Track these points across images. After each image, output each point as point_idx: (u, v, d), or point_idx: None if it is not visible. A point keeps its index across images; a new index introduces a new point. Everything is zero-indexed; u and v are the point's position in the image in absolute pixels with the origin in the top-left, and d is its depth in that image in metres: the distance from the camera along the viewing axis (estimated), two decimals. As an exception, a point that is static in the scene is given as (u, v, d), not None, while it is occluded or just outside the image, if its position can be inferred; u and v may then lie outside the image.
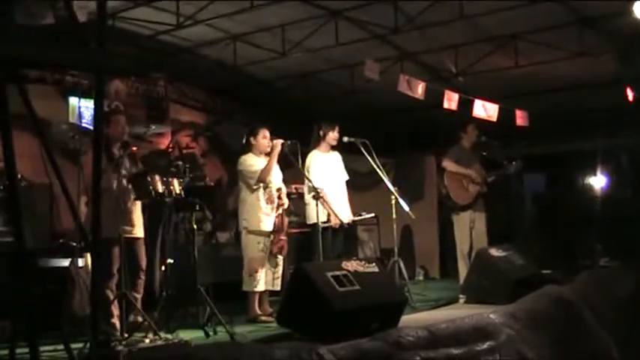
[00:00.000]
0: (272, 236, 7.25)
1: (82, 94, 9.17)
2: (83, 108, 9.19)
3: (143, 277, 6.34)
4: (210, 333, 6.20)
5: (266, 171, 7.18)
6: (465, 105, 9.88)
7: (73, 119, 9.15)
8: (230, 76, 11.12)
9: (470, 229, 8.60)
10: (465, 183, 8.65)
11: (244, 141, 7.44)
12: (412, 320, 6.03)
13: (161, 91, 10.77)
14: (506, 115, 10.13)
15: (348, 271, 5.53)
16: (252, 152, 7.34)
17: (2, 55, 2.60)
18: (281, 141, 7.24)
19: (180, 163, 6.91)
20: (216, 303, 6.39)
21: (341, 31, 9.34)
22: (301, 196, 8.23)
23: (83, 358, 4.96)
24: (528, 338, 5.09)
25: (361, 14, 9.10)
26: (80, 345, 5.22)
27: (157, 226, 7.72)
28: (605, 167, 12.89)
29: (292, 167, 7.66)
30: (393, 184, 8.20)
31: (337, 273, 5.42)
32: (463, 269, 8.47)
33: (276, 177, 7.38)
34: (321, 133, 7.91)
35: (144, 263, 6.38)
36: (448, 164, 8.72)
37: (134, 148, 6.31)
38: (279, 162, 7.35)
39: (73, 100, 9.29)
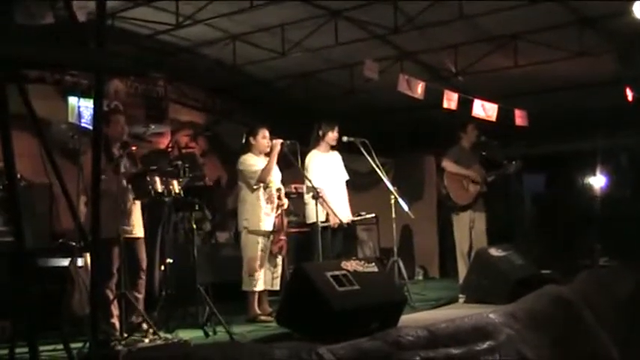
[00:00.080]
0: (272, 236, 7.26)
1: (82, 94, 9.17)
2: (83, 108, 9.18)
3: (144, 276, 6.33)
4: (210, 333, 6.20)
5: (266, 171, 7.18)
6: (465, 105, 9.88)
7: (72, 119, 9.15)
8: (230, 76, 11.11)
9: (469, 229, 8.60)
10: (464, 183, 8.65)
11: (244, 141, 7.44)
12: (412, 320, 6.02)
13: (160, 90, 10.77)
14: (505, 115, 10.13)
15: (348, 270, 5.52)
16: (252, 152, 7.34)
17: (2, 55, 2.60)
18: (280, 141, 7.24)
19: (179, 162, 6.91)
20: (216, 303, 6.38)
21: (340, 31, 9.34)
22: (301, 195, 8.23)
23: (83, 357, 4.95)
24: (528, 338, 5.09)
25: (361, 14, 9.11)
26: (80, 345, 5.21)
27: (157, 225, 7.72)
28: (605, 167, 12.90)
29: (292, 167, 7.66)
30: (393, 184, 8.19)
31: (337, 273, 5.41)
32: (463, 269, 8.46)
33: (275, 177, 7.38)
34: (321, 132, 7.90)
35: (144, 263, 6.37)
36: (448, 164, 8.72)
37: (133, 148, 6.30)
38: (278, 162, 7.35)
39: (73, 100, 9.29)
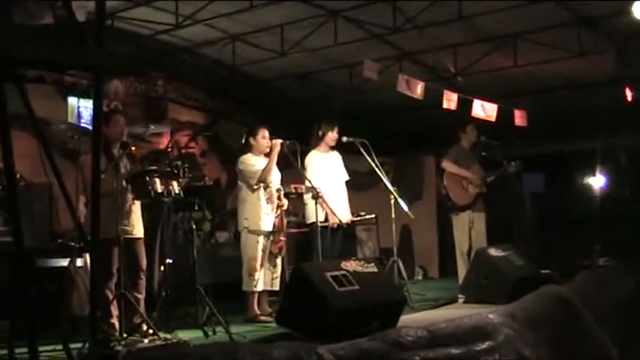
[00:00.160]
0: (272, 236, 7.26)
1: (81, 94, 9.19)
2: (82, 108, 9.20)
3: (144, 277, 6.32)
4: (210, 333, 6.20)
5: (266, 171, 7.18)
6: (464, 105, 9.89)
7: (71, 119, 9.16)
8: (229, 76, 11.11)
9: (469, 229, 8.61)
10: (464, 183, 8.65)
11: (243, 141, 7.44)
12: (411, 320, 6.02)
13: (160, 90, 10.77)
14: (505, 115, 10.13)
15: (347, 271, 5.53)
16: (252, 152, 7.34)
17: (1, 55, 2.60)
18: (280, 141, 7.24)
19: (179, 162, 6.90)
20: (215, 303, 6.39)
21: (340, 31, 9.34)
22: (300, 196, 8.23)
23: (82, 358, 4.96)
24: (527, 338, 5.09)
25: (360, 14, 9.11)
26: (79, 345, 5.22)
27: (156, 226, 7.71)
28: (604, 167, 12.89)
29: (291, 167, 7.66)
30: (392, 184, 8.19)
31: (336, 273, 5.42)
32: (462, 269, 8.47)
33: (275, 177, 7.38)
34: (321, 133, 7.91)
35: (144, 263, 6.36)
36: (447, 165, 8.73)
37: (133, 148, 6.30)
38: (278, 162, 7.34)
39: (72, 100, 9.30)
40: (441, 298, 8.44)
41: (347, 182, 8.10)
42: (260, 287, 7.14)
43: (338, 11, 9.10)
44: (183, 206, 7.20)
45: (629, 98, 9.71)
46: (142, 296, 6.25)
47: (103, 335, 5.68)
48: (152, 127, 8.53)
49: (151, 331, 5.84)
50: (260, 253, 7.15)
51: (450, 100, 9.79)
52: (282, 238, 7.34)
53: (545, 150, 13.13)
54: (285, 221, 7.51)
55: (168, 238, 7.88)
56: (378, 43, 9.99)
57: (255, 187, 7.21)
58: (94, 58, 2.82)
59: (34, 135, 3.06)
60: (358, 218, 9.06)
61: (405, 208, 8.12)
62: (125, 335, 5.66)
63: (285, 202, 7.46)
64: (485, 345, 4.68)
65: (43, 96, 7.94)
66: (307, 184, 7.53)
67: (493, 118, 9.98)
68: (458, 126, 8.98)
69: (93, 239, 3.05)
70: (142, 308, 6.14)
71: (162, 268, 7.52)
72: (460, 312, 6.22)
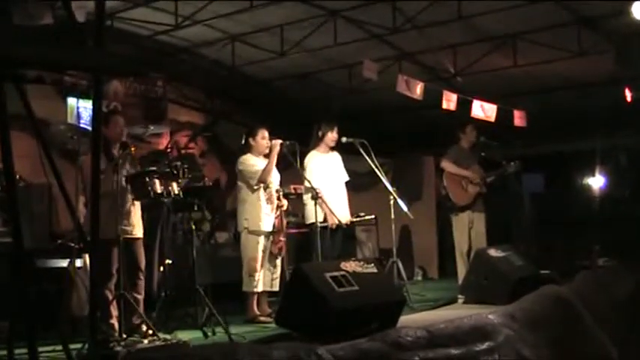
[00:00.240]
0: (272, 237, 7.26)
1: (81, 95, 9.19)
2: (82, 108, 9.20)
3: (142, 277, 6.32)
4: (209, 333, 6.20)
5: (266, 171, 7.18)
6: (464, 105, 9.89)
7: (71, 120, 9.16)
8: (229, 76, 11.11)
9: (469, 230, 8.61)
10: (463, 183, 8.66)
11: (243, 141, 7.44)
12: (411, 320, 6.02)
13: (159, 91, 10.77)
14: (504, 115, 10.14)
15: (347, 271, 5.52)
16: (251, 153, 7.33)
17: (1, 56, 2.60)
18: (280, 141, 7.24)
19: (178, 163, 6.90)
20: (215, 303, 6.38)
21: (339, 31, 9.35)
22: (300, 196, 8.23)
23: (82, 358, 4.96)
24: (527, 338, 5.09)
25: (359, 14, 9.11)
26: (79, 345, 5.22)
27: (156, 226, 7.71)
28: (604, 167, 12.89)
29: (291, 168, 7.66)
30: (392, 185, 8.19)
31: (336, 273, 5.41)
32: (462, 269, 8.47)
33: (274, 178, 7.38)
34: (320, 133, 7.90)
35: (143, 264, 6.36)
36: (447, 165, 8.73)
37: (133, 149, 6.30)
38: (277, 162, 7.34)
39: (72, 101, 9.30)
40: (440, 299, 8.44)
41: (346, 183, 8.09)
42: (260, 288, 7.14)
43: (337, 11, 9.10)
44: (183, 207, 7.20)
45: (629, 98, 9.71)
46: (140, 297, 6.25)
47: (103, 336, 5.68)
48: (151, 127, 8.53)
49: (150, 331, 5.84)
50: (260, 254, 7.14)
51: (450, 101, 9.79)
52: (282, 238, 7.34)
53: (545, 150, 13.13)
54: (284, 222, 7.51)
55: (167, 238, 7.89)
56: (378, 44, 9.99)
57: (255, 187, 7.21)
58: (93, 59, 2.82)
59: (33, 135, 3.06)
60: (358, 219, 9.05)
61: (405, 208, 8.12)
62: (125, 336, 5.66)
63: (284, 202, 7.46)
64: (484, 345, 4.68)
65: (42, 96, 7.95)
66: (306, 184, 7.52)
67: (492, 119, 9.98)
68: (457, 126, 8.98)
69: (92, 240, 3.05)
70: (141, 309, 6.15)
71: (161, 268, 7.52)
72: (460, 312, 6.22)
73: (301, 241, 8.87)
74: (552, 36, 9.27)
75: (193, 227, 7.01)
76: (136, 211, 6.33)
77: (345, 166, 8.13)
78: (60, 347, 4.52)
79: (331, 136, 7.88)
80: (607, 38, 9.22)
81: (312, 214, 7.43)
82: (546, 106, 11.03)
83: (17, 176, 4.99)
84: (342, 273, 5.47)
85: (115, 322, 5.91)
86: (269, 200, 7.26)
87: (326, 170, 7.86)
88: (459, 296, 7.95)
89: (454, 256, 8.81)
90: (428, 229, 12.68)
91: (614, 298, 6.96)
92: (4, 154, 2.73)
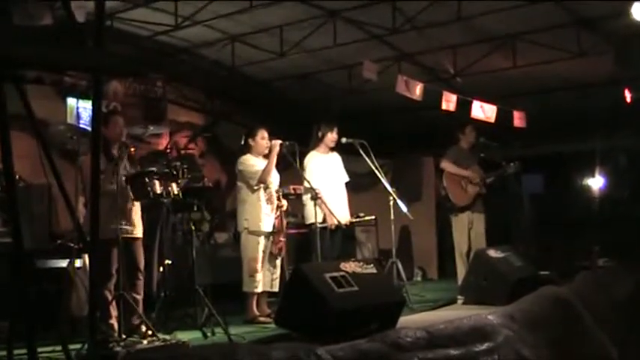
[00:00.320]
0: (272, 237, 7.26)
1: (80, 95, 9.19)
2: (81, 109, 9.20)
3: (142, 277, 6.32)
4: (208, 334, 6.20)
5: (266, 172, 7.18)
6: (464, 106, 9.89)
7: (71, 120, 9.16)
8: (228, 77, 11.11)
9: (468, 230, 8.62)
10: (463, 184, 8.66)
11: (243, 142, 7.44)
12: (410, 321, 6.01)
13: (159, 91, 10.77)
14: (503, 116, 10.14)
15: (346, 272, 5.52)
16: (251, 153, 7.33)
17: (0, 56, 2.60)
18: (279, 141, 7.24)
19: (178, 164, 6.90)
20: (214, 304, 6.38)
21: (339, 32, 9.34)
22: (299, 197, 8.23)
23: (81, 358, 4.96)
24: (526, 339, 5.10)
25: (359, 15, 9.11)
26: (78, 346, 5.22)
27: (155, 227, 7.71)
28: (604, 168, 12.89)
29: (290, 168, 7.66)
30: (391, 185, 8.18)
31: (335, 274, 5.41)
32: (461, 270, 8.47)
33: (274, 179, 7.38)
34: (320, 134, 7.90)
35: (142, 264, 6.36)
36: (446, 165, 8.74)
37: (132, 149, 6.30)
38: (277, 163, 7.34)
39: (71, 101, 9.31)
40: (440, 299, 8.43)
41: (346, 183, 8.09)
42: (260, 288, 7.14)
43: (337, 12, 9.10)
44: (182, 207, 7.20)
45: (628, 99, 9.71)
46: (140, 297, 6.25)
47: (102, 336, 5.68)
48: (151, 127, 8.54)
49: (150, 331, 5.84)
50: (260, 254, 7.15)
51: (449, 101, 9.79)
52: (281, 238, 7.34)
53: (545, 151, 13.13)
54: (284, 222, 7.51)
55: (167, 238, 7.89)
56: (378, 44, 9.99)
57: (255, 187, 7.21)
58: (93, 59, 2.82)
59: (33, 136, 3.06)
60: (357, 219, 9.05)
61: (404, 209, 8.11)
62: (124, 336, 5.66)
63: (284, 203, 7.46)
64: (484, 346, 4.69)
65: (42, 97, 7.95)
66: (306, 185, 7.52)
67: (492, 120, 9.98)
68: (457, 127, 8.98)
69: (92, 240, 3.05)
70: (140, 309, 6.15)
71: (161, 268, 7.52)
72: (459, 313, 6.21)
73: (301, 241, 8.87)
74: (552, 37, 9.27)
75: (193, 228, 7.01)
76: (135, 211, 6.33)
77: (345, 167, 8.13)
78: (59, 347, 4.53)
79: (331, 137, 7.88)
80: (606, 39, 9.22)
81: (312, 214, 7.43)
82: (546, 106, 11.03)
83: (17, 176, 4.99)
84: (342, 273, 5.47)
85: (114, 322, 5.91)
86: (269, 200, 7.26)
87: (326, 171, 7.86)
88: (459, 297, 7.95)
89: (454, 256, 8.81)
90: (427, 229, 12.68)
91: (613, 298, 6.97)
92: (4, 155, 2.74)
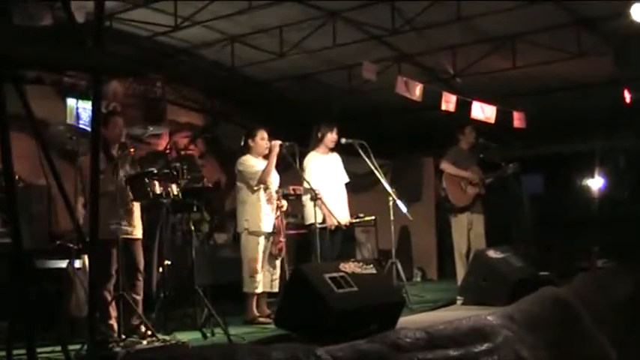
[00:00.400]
0: (271, 237, 7.26)
1: (80, 95, 9.18)
2: (81, 109, 9.19)
3: (141, 278, 6.32)
4: (208, 334, 6.20)
5: (266, 172, 7.18)
6: (463, 106, 9.89)
7: (70, 120, 9.15)
8: (228, 77, 11.11)
9: (468, 231, 8.62)
10: (463, 185, 8.66)
11: (242, 143, 7.44)
12: (410, 322, 6.01)
13: (159, 92, 10.75)
14: (503, 116, 10.14)
15: (346, 272, 5.51)
16: (251, 154, 7.34)
17: (0, 56, 2.60)
18: (279, 142, 7.24)
19: (177, 164, 6.90)
20: (214, 304, 6.38)
21: (339, 32, 9.34)
22: (299, 197, 8.23)
23: (80, 359, 4.95)
24: (526, 340, 5.09)
25: (359, 15, 9.11)
26: (77, 346, 5.22)
27: (155, 227, 7.71)
28: (603, 168, 12.90)
29: (290, 169, 7.66)
30: (391, 186, 8.18)
31: (335, 274, 5.40)
32: (461, 271, 8.47)
33: (274, 179, 7.38)
34: (320, 134, 7.90)
35: (141, 264, 6.36)
36: (446, 166, 8.74)
37: (132, 150, 6.30)
38: (277, 164, 7.34)
39: (71, 101, 9.30)
40: (439, 300, 8.43)
41: (346, 184, 8.09)
42: (260, 289, 7.14)
43: (337, 12, 9.10)
44: (182, 207, 7.20)
45: (628, 100, 9.72)
46: (139, 297, 6.25)
47: (102, 336, 5.68)
48: (151, 128, 8.54)
49: (149, 332, 5.84)
50: (260, 255, 7.15)
51: (449, 102, 9.79)
52: (281, 239, 7.34)
53: (544, 151, 13.15)
54: (284, 222, 7.51)
55: (166, 239, 7.88)
56: (377, 45, 9.99)
57: (255, 188, 7.21)
58: (92, 59, 2.82)
59: (32, 136, 3.06)
60: (357, 220, 9.04)
61: (404, 209, 8.11)
62: (123, 336, 5.66)
63: (284, 203, 7.46)
64: (483, 347, 4.68)
65: (41, 97, 7.95)
66: (306, 185, 7.52)
67: (492, 120, 9.98)
68: (456, 128, 8.98)
69: (91, 240, 3.05)
70: (140, 309, 6.15)
71: (160, 269, 7.52)
72: (459, 314, 6.21)
73: (300, 242, 8.87)
74: (551, 37, 9.27)
75: (192, 228, 7.01)
76: (135, 211, 6.33)
77: (345, 167, 8.13)
78: (59, 348, 4.54)
79: (330, 137, 7.88)
80: (606, 39, 9.23)
81: (312, 215, 7.43)
82: (545, 107, 11.04)
83: (16, 177, 4.99)
84: (342, 274, 5.46)
85: (113, 322, 5.91)
86: (269, 201, 7.26)
87: (325, 171, 7.86)
88: (458, 297, 7.94)
89: (453, 257, 8.81)
90: (427, 230, 12.69)
91: (613, 299, 6.97)
92: (3, 155, 2.73)
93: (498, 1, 8.45)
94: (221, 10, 8.81)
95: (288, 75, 11.32)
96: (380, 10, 8.88)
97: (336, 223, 7.61)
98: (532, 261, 8.35)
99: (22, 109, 2.92)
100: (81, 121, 9.19)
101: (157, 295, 7.30)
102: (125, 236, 6.06)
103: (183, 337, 6.07)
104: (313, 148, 7.91)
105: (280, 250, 7.31)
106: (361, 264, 5.78)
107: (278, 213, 7.34)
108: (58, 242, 7.16)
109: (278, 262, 7.36)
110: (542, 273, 8.24)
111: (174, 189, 6.26)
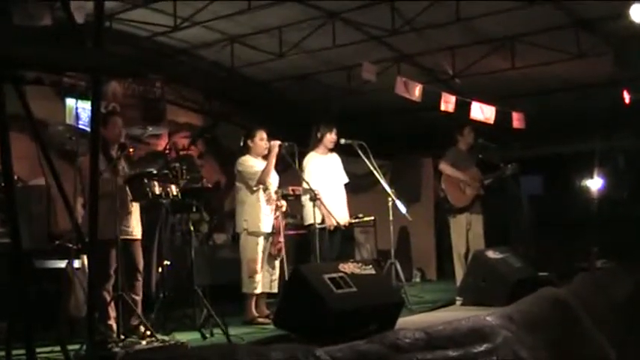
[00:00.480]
0: (271, 238, 7.26)
1: (79, 96, 9.17)
2: (80, 109, 9.19)
3: (140, 278, 6.32)
4: (207, 335, 6.20)
5: (265, 173, 7.18)
6: (463, 107, 9.89)
7: (70, 121, 9.15)
8: (227, 78, 11.11)
9: (466, 232, 8.62)
10: (461, 185, 8.66)
11: (242, 143, 7.43)
12: (409, 322, 6.01)
13: (158, 92, 10.75)
14: (502, 117, 10.14)
15: (345, 273, 5.51)
16: (250, 154, 7.33)
17: (0, 56, 2.60)
18: (278, 142, 7.24)
19: (177, 164, 6.90)
20: (213, 305, 6.37)
21: (338, 33, 9.35)
22: (298, 198, 8.23)
23: (80, 359, 4.95)
24: (525, 340, 5.09)
25: (358, 16, 9.12)
26: (77, 346, 5.22)
27: (154, 227, 7.71)
28: (602, 169, 12.89)
29: (289, 169, 7.66)
30: (390, 186, 8.18)
31: (334, 275, 5.40)
32: (460, 271, 8.47)
33: (273, 180, 7.38)
34: (319, 135, 7.90)
35: (141, 265, 6.36)
36: (445, 167, 8.74)
37: (131, 150, 6.30)
38: (276, 164, 7.34)
39: (70, 102, 9.29)
40: (438, 300, 8.43)
41: (345, 184, 8.09)
42: (260, 289, 7.14)
43: (336, 13, 9.10)
44: (181, 208, 7.19)
45: (627, 100, 9.73)
46: (139, 298, 6.25)
47: (101, 337, 5.68)
48: (150, 128, 8.53)
49: (148, 332, 5.84)
50: (260, 255, 7.15)
51: (448, 103, 9.79)
52: (280, 239, 7.33)
53: (543, 152, 13.15)
54: (283, 223, 7.51)
55: (166, 239, 7.88)
56: (377, 45, 9.99)
57: (255, 188, 7.21)
58: (92, 60, 2.82)
59: (32, 136, 3.06)
60: (356, 220, 9.05)
61: (403, 210, 8.10)
62: (123, 337, 5.65)
63: (283, 203, 7.46)
64: (482, 347, 4.68)
65: (41, 97, 7.94)
66: (305, 185, 7.52)
67: (491, 121, 9.98)
68: (455, 128, 8.97)
69: (91, 241, 3.05)
70: (139, 310, 6.14)
71: (159, 269, 7.51)
72: (458, 314, 6.21)
73: (300, 242, 8.87)
74: (551, 38, 9.28)
75: (192, 228, 7.00)
76: (134, 212, 6.33)
77: (344, 168, 8.13)
78: (58, 348, 4.52)
79: (330, 138, 7.87)
80: (605, 40, 9.24)
81: (311, 215, 7.43)
82: (545, 108, 11.04)
83: (16, 177, 4.99)
84: (341, 274, 5.46)
85: (113, 323, 5.91)
86: (268, 201, 7.26)
87: (324, 172, 7.86)
88: (457, 298, 7.94)
89: (452, 257, 8.81)
90: (426, 230, 12.69)
91: (612, 299, 6.97)
92: (2, 155, 2.74)
93: (498, 2, 8.46)
94: (220, 11, 8.82)
95: (288, 75, 11.32)
96: (379, 11, 8.89)
97: (336, 224, 7.61)
98: (531, 261, 8.35)
99: (22, 109, 2.92)
100: (80, 122, 9.18)
101: (156, 295, 7.30)
102: (124, 236, 6.05)
103: (183, 337, 6.07)
104: (312, 149, 7.91)
105: (279, 250, 7.30)
106: (360, 264, 5.78)
107: (277, 213, 7.34)
108: (57, 242, 7.15)
109: (277, 263, 7.36)
110: (541, 273, 8.24)
111: (174, 189, 6.26)
